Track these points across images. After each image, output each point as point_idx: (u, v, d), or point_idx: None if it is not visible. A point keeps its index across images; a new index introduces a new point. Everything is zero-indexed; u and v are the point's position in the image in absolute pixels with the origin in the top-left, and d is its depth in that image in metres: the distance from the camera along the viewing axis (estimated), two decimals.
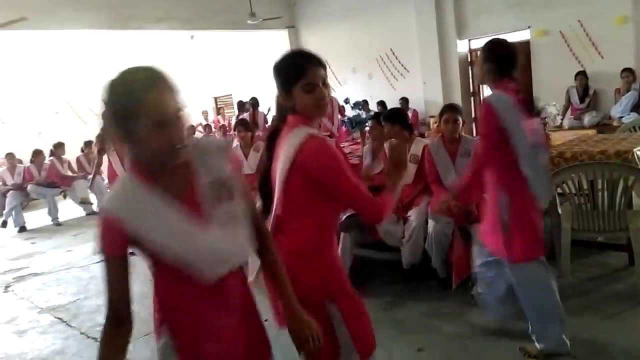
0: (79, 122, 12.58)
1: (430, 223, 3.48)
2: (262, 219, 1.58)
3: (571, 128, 6.87)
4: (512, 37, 8.83)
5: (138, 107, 1.19)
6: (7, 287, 5.15)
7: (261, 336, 1.52)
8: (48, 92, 11.89)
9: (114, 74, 1.24)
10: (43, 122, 11.91)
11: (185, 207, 1.30)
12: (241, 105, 10.01)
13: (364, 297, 3.27)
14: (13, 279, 5.41)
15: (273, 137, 1.78)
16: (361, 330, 1.75)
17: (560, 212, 3.34)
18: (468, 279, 3.39)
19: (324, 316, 1.65)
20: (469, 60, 9.70)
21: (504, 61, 2.47)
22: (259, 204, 1.85)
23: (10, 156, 8.71)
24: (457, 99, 8.97)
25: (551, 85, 8.07)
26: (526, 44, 8.64)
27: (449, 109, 3.62)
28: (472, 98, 9.80)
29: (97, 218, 1.31)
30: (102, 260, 1.29)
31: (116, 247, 1.28)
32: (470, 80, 9.77)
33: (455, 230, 3.43)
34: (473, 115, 9.74)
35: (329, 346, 1.64)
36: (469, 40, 9.54)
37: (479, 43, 9.55)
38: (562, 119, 7.36)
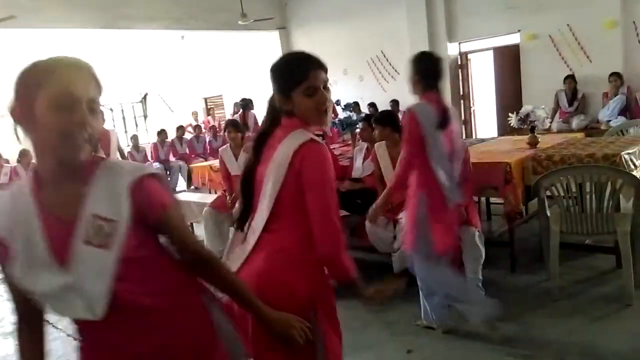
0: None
1: None
2: (200, 247, 1.32)
3: (560, 131, 6.93)
4: (502, 41, 8.93)
5: (45, 78, 1.08)
6: None
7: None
8: None
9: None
10: None
11: (57, 233, 1.12)
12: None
13: (354, 299, 3.27)
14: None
15: (262, 138, 1.71)
16: (335, 353, 1.65)
17: (548, 214, 3.36)
18: None
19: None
20: (459, 63, 9.75)
21: (430, 74, 2.67)
22: (238, 205, 1.79)
23: None
24: (447, 102, 9.00)
25: (540, 88, 8.13)
26: (516, 48, 8.71)
27: None
28: (462, 101, 9.85)
29: None
30: None
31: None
32: (461, 84, 9.83)
33: None
34: (463, 118, 9.79)
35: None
36: (460, 43, 9.59)
37: (469, 46, 9.62)
38: (550, 122, 7.41)
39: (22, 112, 1.10)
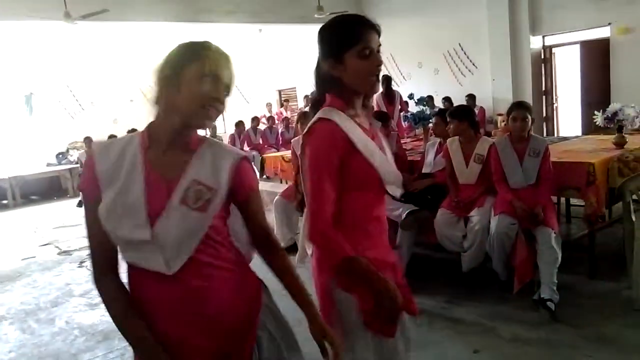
0: (151, 111, 13.16)
1: (493, 224, 3.40)
2: (272, 233, 1.44)
3: None
4: (591, 34, 8.42)
5: (200, 53, 1.25)
6: (81, 262, 5.50)
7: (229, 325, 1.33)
8: (123, 81, 12.53)
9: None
10: (118, 109, 12.57)
11: (157, 190, 1.23)
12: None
13: (421, 296, 3.28)
14: (87, 255, 5.76)
15: (312, 114, 1.62)
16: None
17: (634, 219, 3.16)
18: (530, 284, 3.29)
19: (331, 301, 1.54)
20: (543, 57, 9.31)
21: None
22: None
23: (88, 140, 9.26)
24: (528, 97, 8.63)
25: (630, 86, 7.61)
26: (605, 42, 8.19)
27: (518, 107, 3.50)
28: (544, 97, 9.41)
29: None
30: (82, 201, 1.27)
31: (92, 187, 1.24)
32: (543, 79, 9.38)
33: (520, 232, 3.33)
34: (544, 115, 9.36)
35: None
36: (543, 36, 9.16)
37: (554, 39, 9.15)
38: None
39: (170, 74, 1.24)
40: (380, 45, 1.51)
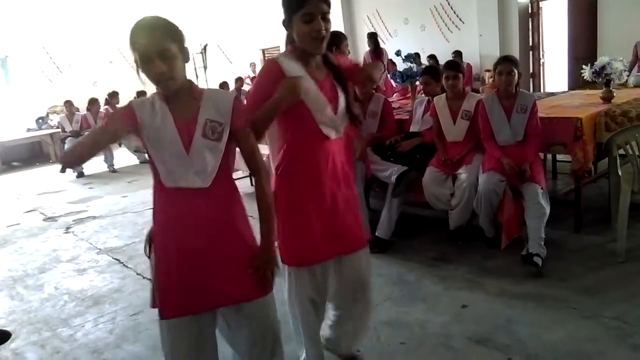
0: (132, 72, 12.84)
1: (481, 181, 3.40)
2: (261, 159, 1.77)
3: (637, 85, 6.43)
4: None
5: (132, 41, 1.55)
6: (67, 228, 5.45)
7: (239, 233, 1.73)
8: (102, 42, 12.15)
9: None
10: (98, 71, 12.25)
11: (183, 129, 1.62)
12: None
13: (409, 253, 3.28)
14: (73, 220, 5.72)
15: None
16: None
17: (620, 173, 3.18)
18: (516, 240, 3.33)
19: None
20: (530, 11, 9.17)
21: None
22: None
23: (68, 104, 9.01)
24: (515, 53, 8.55)
25: (618, 39, 7.55)
26: None
27: (504, 60, 3.44)
28: (531, 52, 9.33)
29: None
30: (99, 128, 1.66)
31: (120, 124, 1.60)
32: (530, 33, 9.28)
33: (507, 189, 3.34)
34: (531, 71, 9.30)
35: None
36: None
37: None
38: (628, 76, 6.90)
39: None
40: (327, 12, 1.80)
